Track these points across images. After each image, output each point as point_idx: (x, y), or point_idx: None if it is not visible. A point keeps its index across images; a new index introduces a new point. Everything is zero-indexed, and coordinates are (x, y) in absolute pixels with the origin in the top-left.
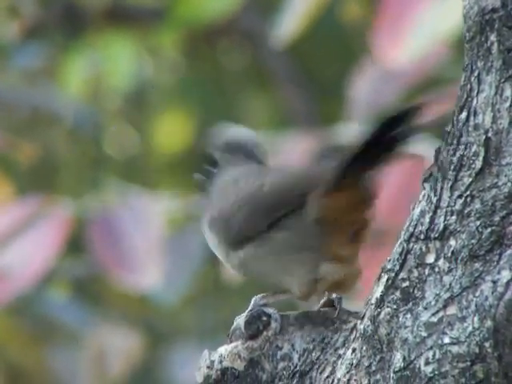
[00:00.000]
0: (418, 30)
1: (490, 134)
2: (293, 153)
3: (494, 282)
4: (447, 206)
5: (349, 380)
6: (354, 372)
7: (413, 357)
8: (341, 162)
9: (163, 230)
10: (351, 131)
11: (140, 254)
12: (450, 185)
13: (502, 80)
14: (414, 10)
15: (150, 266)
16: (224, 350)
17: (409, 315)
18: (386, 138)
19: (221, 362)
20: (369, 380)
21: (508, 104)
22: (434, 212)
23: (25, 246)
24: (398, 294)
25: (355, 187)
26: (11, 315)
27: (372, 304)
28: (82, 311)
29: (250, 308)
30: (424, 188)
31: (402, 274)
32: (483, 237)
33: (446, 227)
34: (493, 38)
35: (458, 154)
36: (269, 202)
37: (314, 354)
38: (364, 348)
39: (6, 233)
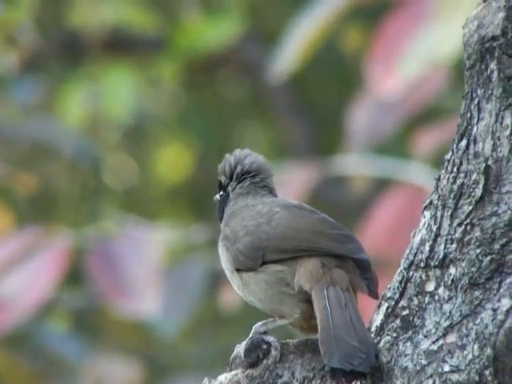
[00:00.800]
0: (411, 53)
1: (490, 162)
2: (292, 183)
3: (494, 310)
4: (447, 234)
5: None
6: None
7: None
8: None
9: (162, 259)
10: (350, 162)
11: (138, 282)
12: (450, 213)
13: (502, 108)
14: (408, 41)
15: (148, 293)
16: (224, 378)
17: (409, 343)
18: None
19: None
20: None
21: (508, 132)
22: (434, 240)
23: (23, 276)
24: (397, 322)
25: None
26: (10, 349)
27: (372, 332)
28: (81, 343)
29: (250, 336)
30: (424, 216)
31: (402, 302)
32: (483, 265)
33: (446, 255)
34: (493, 65)
35: (458, 182)
36: (267, 240)
37: (314, 383)
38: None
39: (4, 263)
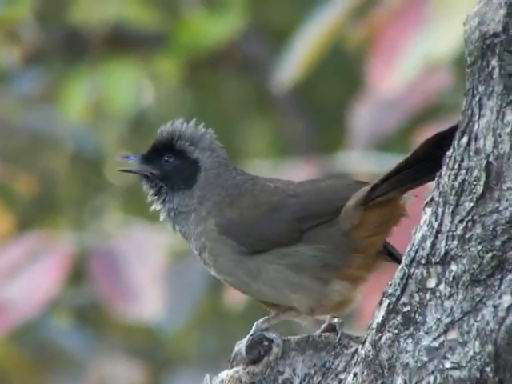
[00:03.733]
0: (410, 54)
1: (491, 159)
2: (294, 180)
3: (495, 307)
4: (448, 231)
5: None
6: None
7: (414, 381)
8: (386, 175)
9: (164, 261)
10: (352, 160)
11: (140, 285)
12: (451, 209)
13: (504, 105)
14: (407, 41)
15: (150, 297)
16: (225, 374)
17: (410, 340)
18: (431, 156)
19: None
20: None
21: (509, 129)
22: (436, 237)
23: (27, 280)
24: (399, 318)
25: (395, 203)
26: (14, 343)
27: (373, 329)
28: (84, 339)
29: (251, 332)
30: (425, 213)
31: (403, 299)
32: (484, 261)
33: (447, 252)
34: (494, 62)
35: (459, 179)
36: (301, 210)
37: (315, 379)
38: (365, 373)
39: (8, 267)
